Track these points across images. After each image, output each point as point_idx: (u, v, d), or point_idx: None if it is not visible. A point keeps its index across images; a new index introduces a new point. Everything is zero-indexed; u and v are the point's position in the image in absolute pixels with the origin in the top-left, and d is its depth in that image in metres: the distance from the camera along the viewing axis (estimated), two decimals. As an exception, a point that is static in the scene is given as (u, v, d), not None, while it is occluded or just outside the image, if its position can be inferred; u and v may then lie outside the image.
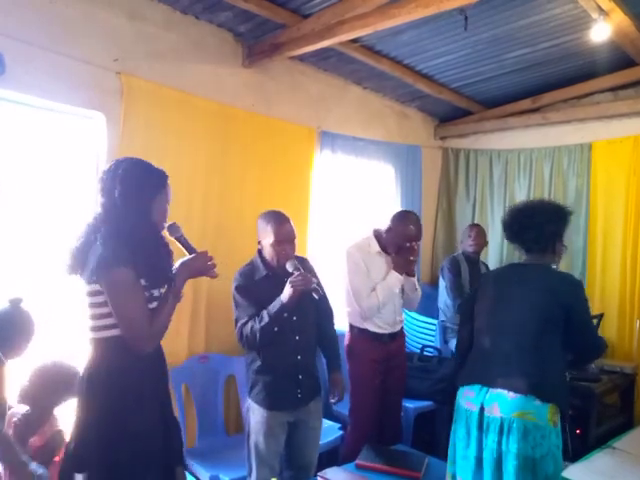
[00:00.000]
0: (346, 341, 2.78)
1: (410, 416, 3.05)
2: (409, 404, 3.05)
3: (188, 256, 1.73)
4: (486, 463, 1.87)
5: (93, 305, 1.59)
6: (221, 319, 2.82)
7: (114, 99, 2.54)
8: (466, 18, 2.83)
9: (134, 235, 1.60)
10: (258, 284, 2.18)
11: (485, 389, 1.91)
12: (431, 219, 4.66)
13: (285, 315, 2.13)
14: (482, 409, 1.90)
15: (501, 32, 3.18)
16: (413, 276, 2.69)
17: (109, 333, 1.59)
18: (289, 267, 2.13)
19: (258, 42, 3.11)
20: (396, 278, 2.60)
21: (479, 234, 3.62)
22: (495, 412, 1.86)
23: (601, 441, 2.91)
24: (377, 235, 2.71)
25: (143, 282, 1.60)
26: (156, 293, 1.66)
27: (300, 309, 2.21)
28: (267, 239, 2.17)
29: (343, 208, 3.77)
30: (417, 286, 2.75)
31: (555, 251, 2.04)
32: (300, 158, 3.41)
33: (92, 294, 1.58)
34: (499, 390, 1.87)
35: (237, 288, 2.19)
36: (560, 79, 3.91)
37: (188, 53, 2.88)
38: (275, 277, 2.18)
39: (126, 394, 1.59)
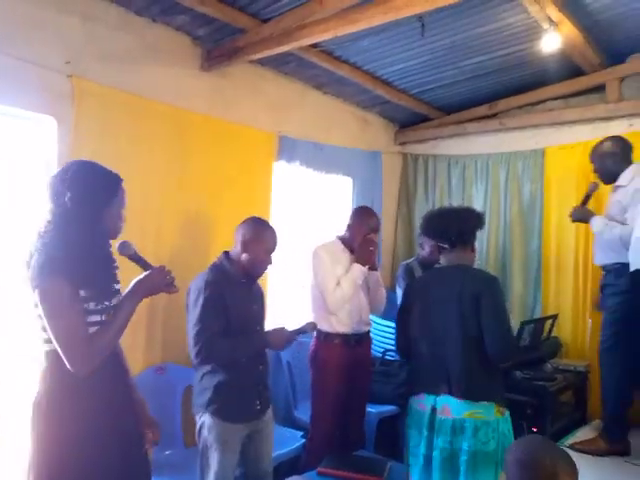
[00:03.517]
0: (311, 347, 2.77)
1: (373, 421, 3.06)
2: (372, 409, 3.06)
3: (144, 273, 1.62)
4: (435, 462, 1.94)
5: (42, 316, 1.47)
6: (179, 328, 2.74)
7: (65, 103, 2.44)
8: (423, 25, 2.88)
9: (79, 243, 1.49)
10: (232, 289, 2.11)
11: (433, 396, 2.00)
12: (391, 224, 4.71)
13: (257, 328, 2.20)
14: (434, 410, 1.98)
15: (458, 40, 3.24)
16: (375, 269, 2.75)
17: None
18: (307, 328, 2.23)
19: (217, 46, 3.07)
20: (359, 270, 2.66)
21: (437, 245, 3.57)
22: (447, 413, 1.95)
23: (556, 438, 2.99)
24: (340, 238, 2.81)
25: (82, 293, 1.49)
26: (97, 306, 1.53)
27: (262, 318, 2.25)
28: (256, 247, 2.15)
29: (303, 214, 3.77)
30: (381, 282, 2.83)
31: (473, 249, 2.18)
32: (260, 163, 3.38)
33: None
34: (446, 393, 1.97)
35: (211, 293, 2.04)
36: (515, 86, 4.02)
37: (144, 56, 2.81)
38: (246, 284, 2.18)
39: (78, 421, 1.47)
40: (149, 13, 2.77)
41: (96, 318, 1.53)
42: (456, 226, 2.10)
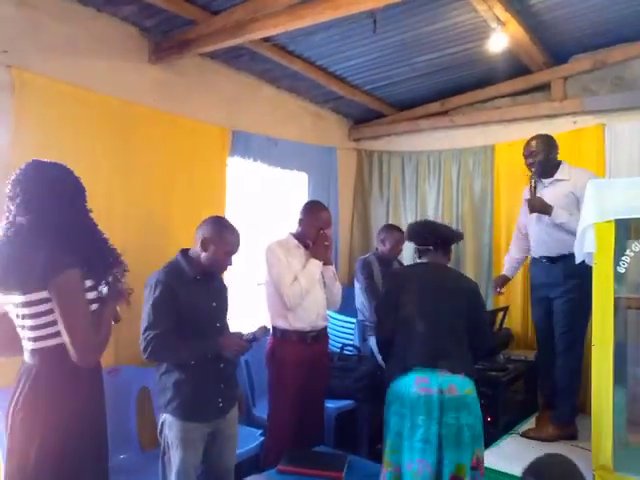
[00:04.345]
0: (268, 345, 2.75)
1: (331, 416, 3.06)
2: (330, 404, 3.06)
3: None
4: (446, 440, 2.05)
5: (34, 315, 1.51)
6: (132, 329, 2.66)
7: (4, 95, 2.31)
8: (375, 21, 2.89)
9: (70, 235, 1.55)
10: (186, 287, 2.07)
11: (437, 373, 2.10)
12: (347, 220, 4.72)
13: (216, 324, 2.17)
14: (441, 391, 2.08)
15: (409, 37, 3.28)
16: (331, 264, 2.78)
17: (55, 341, 1.53)
18: (258, 334, 2.18)
19: (165, 38, 2.98)
20: (315, 265, 2.68)
21: (399, 242, 3.55)
22: (453, 392, 2.09)
23: (509, 427, 3.09)
24: (293, 234, 2.80)
25: (89, 283, 1.59)
26: (95, 295, 1.63)
27: (223, 315, 2.22)
28: (217, 246, 2.12)
29: (259, 210, 3.73)
30: (336, 277, 2.85)
31: (450, 257, 2.49)
32: (213, 159, 3.30)
33: (32, 304, 1.50)
34: (446, 372, 2.10)
35: (162, 292, 2.01)
36: (465, 84, 4.10)
37: (88, 47, 2.70)
38: (203, 282, 2.15)
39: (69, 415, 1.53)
40: (94, 3, 2.66)
41: (95, 307, 1.62)
42: (442, 233, 2.44)
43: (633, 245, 2.29)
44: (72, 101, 2.54)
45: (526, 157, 3.12)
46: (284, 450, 2.47)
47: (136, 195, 2.86)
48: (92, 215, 1.71)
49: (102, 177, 2.67)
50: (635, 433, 2.67)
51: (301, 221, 2.79)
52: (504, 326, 3.66)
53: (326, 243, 2.71)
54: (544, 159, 3.04)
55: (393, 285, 2.41)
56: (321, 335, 2.78)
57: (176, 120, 3.08)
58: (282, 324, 2.67)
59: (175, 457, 2.02)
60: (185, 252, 2.19)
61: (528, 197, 3.03)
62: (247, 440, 2.68)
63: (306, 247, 2.75)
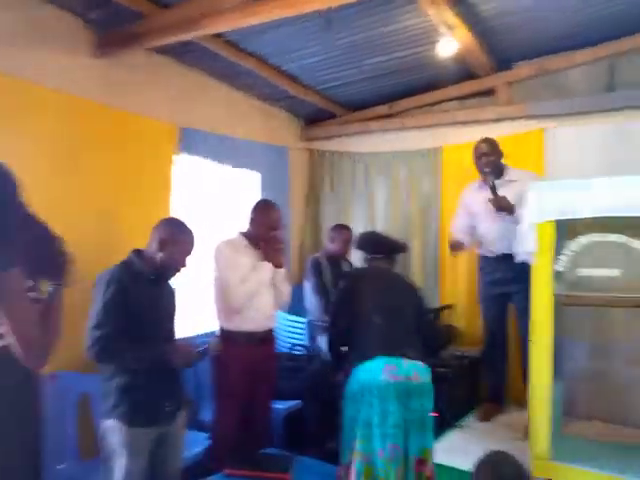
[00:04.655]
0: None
1: (280, 417, 3.06)
2: (279, 405, 3.05)
3: None
4: (412, 425, 2.15)
5: None
6: (71, 332, 2.56)
7: None
8: (326, 22, 2.90)
9: (7, 232, 1.44)
10: (139, 287, 2.05)
11: (401, 360, 2.20)
12: (299, 220, 4.72)
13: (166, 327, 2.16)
14: (408, 378, 2.18)
15: (361, 38, 3.30)
16: (282, 267, 2.75)
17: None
18: (210, 348, 2.20)
19: (112, 31, 2.88)
20: (266, 269, 2.66)
21: (348, 240, 3.58)
22: (418, 379, 2.20)
23: (452, 421, 3.18)
24: (244, 234, 2.77)
25: (29, 283, 1.50)
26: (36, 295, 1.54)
27: (172, 317, 2.22)
28: (174, 246, 2.12)
29: (208, 208, 3.67)
30: (286, 278, 2.84)
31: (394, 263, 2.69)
32: (160, 155, 3.22)
33: None
34: (409, 360, 2.21)
35: (115, 290, 1.97)
36: (415, 87, 4.18)
37: (29, 38, 2.56)
38: (156, 282, 2.14)
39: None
40: (35, -9, 2.55)
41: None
42: (389, 244, 2.66)
43: (571, 244, 2.40)
44: (10, 94, 2.42)
45: (478, 158, 3.21)
46: (230, 453, 2.46)
47: (81, 194, 2.75)
48: (31, 210, 1.63)
49: (43, 175, 2.55)
50: (568, 424, 2.81)
51: (252, 221, 2.76)
52: (449, 323, 3.77)
53: (278, 246, 2.70)
54: (497, 160, 3.15)
55: (348, 283, 2.55)
56: (269, 336, 2.77)
57: (123, 116, 2.99)
58: (229, 325, 2.64)
59: (119, 465, 1.96)
60: (139, 252, 2.16)
61: (491, 197, 3.09)
62: (193, 444, 2.64)
63: (257, 247, 2.72)
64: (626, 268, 2.28)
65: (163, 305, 2.16)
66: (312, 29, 3.10)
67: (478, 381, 3.75)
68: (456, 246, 3.36)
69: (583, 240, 2.36)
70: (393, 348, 2.25)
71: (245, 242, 2.73)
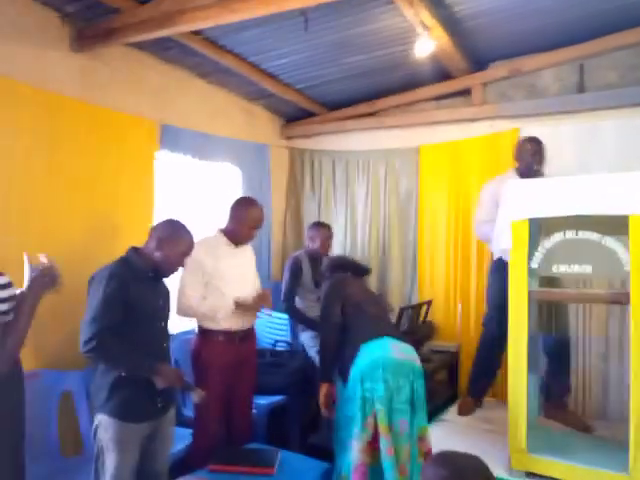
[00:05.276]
0: (193, 345, 2.70)
1: (263, 412, 3.07)
2: (261, 400, 3.06)
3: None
4: (417, 402, 2.26)
5: None
6: (53, 331, 2.54)
7: None
8: (306, 20, 2.92)
9: None
10: (137, 283, 2.06)
11: (402, 342, 2.35)
12: (281, 218, 4.74)
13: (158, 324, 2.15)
14: (412, 359, 2.31)
15: (340, 37, 3.33)
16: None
17: None
18: (191, 391, 2.20)
19: (89, 25, 2.85)
20: (247, 264, 2.72)
21: (324, 234, 3.63)
22: (418, 362, 2.34)
23: (432, 415, 3.24)
24: (223, 231, 2.75)
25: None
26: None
27: (167, 315, 2.21)
28: (172, 248, 2.14)
29: (190, 205, 3.65)
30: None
31: None
32: (140, 152, 3.19)
33: None
34: (406, 343, 2.36)
35: (116, 285, 1.97)
36: (393, 86, 4.23)
37: (3, 32, 2.52)
38: (153, 280, 2.16)
39: None
40: (9, -17, 2.50)
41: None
42: (357, 266, 2.87)
43: (545, 242, 2.47)
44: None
45: (532, 155, 3.17)
46: (213, 449, 2.46)
47: (59, 190, 2.72)
48: None
49: (21, 173, 2.52)
50: (543, 416, 2.90)
51: (232, 218, 2.75)
52: (427, 318, 3.83)
53: (262, 305, 2.73)
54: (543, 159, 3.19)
55: (337, 280, 2.66)
56: (249, 334, 2.76)
57: (102, 112, 2.95)
58: (208, 324, 2.63)
59: (110, 460, 1.95)
60: (136, 250, 2.17)
61: None
62: (177, 440, 2.63)
63: (236, 244, 2.73)
64: (597, 265, 2.36)
65: (159, 303, 2.17)
66: (291, 27, 3.12)
67: (457, 375, 3.83)
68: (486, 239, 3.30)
69: (557, 238, 2.43)
70: (391, 332, 2.41)
71: (224, 240, 2.71)
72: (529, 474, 2.45)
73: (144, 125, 3.22)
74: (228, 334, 2.63)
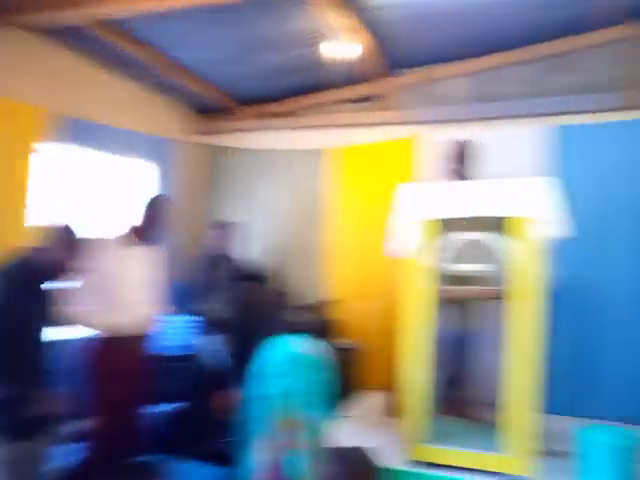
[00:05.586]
0: (85, 352, 2.54)
1: (162, 420, 2.94)
2: (161, 408, 2.94)
3: None
4: (319, 396, 2.23)
5: None
6: None
7: None
8: (221, 15, 2.83)
9: None
10: (24, 286, 1.98)
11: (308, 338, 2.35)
12: (188, 216, 4.54)
13: None
14: (316, 353, 2.32)
15: (256, 34, 3.28)
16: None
17: None
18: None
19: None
20: (144, 266, 2.62)
21: (231, 237, 3.62)
22: (318, 357, 2.31)
23: (333, 410, 3.30)
24: (133, 229, 2.66)
25: None
26: None
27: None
28: (54, 249, 2.08)
29: (87, 201, 3.42)
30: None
31: None
32: (27, 143, 2.93)
33: None
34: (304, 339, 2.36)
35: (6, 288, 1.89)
36: (310, 87, 4.22)
37: None
38: (38, 281, 2.08)
39: None
40: None
41: None
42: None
43: (440, 243, 2.62)
44: None
45: (459, 159, 3.17)
46: (105, 464, 2.35)
47: None
48: None
49: None
50: (437, 408, 3.07)
51: (145, 217, 2.66)
52: (330, 316, 3.90)
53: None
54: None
55: (240, 287, 2.72)
56: (142, 339, 2.66)
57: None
58: (100, 329, 2.49)
59: None
60: (29, 250, 2.08)
61: None
62: (67, 455, 2.45)
63: (147, 243, 2.64)
64: (486, 263, 2.54)
65: (40, 307, 2.06)
66: (206, 20, 3.01)
67: (352, 371, 3.94)
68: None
69: (451, 238, 2.58)
70: (292, 330, 2.42)
71: (134, 240, 2.61)
72: (424, 463, 2.56)
73: (22, 112, 2.91)
74: (120, 340, 2.51)
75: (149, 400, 2.76)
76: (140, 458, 2.50)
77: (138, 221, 2.67)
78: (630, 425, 2.98)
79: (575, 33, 3.54)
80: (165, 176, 4.07)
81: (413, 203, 2.65)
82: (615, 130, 3.41)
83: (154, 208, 2.68)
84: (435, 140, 3.82)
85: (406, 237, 2.63)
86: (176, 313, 3.50)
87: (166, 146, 4.14)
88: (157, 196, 2.88)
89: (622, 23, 3.43)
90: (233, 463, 2.38)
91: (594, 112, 3.49)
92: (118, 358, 2.49)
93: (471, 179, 3.15)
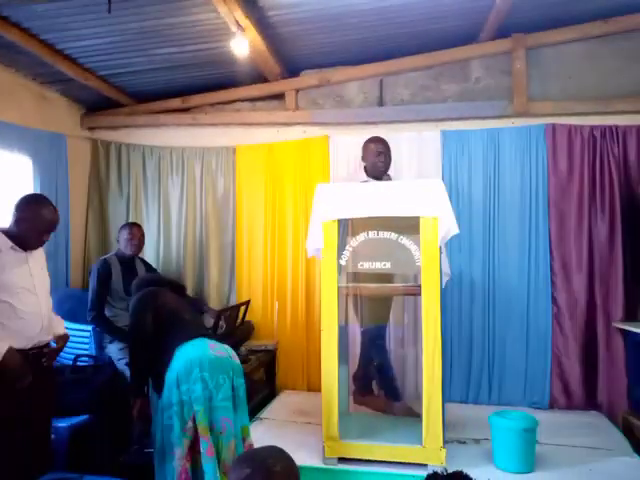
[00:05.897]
0: None
1: (64, 436, 2.72)
2: (62, 423, 2.72)
3: None
4: (238, 400, 2.28)
5: None
6: None
7: None
8: (110, 2, 2.68)
9: None
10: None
11: (219, 342, 2.39)
12: (81, 217, 4.25)
13: None
14: (230, 356, 2.34)
15: (149, 26, 3.15)
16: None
17: None
18: None
19: None
20: (36, 274, 2.39)
21: (136, 235, 3.46)
22: (236, 359, 2.38)
23: (252, 414, 3.26)
24: (6, 232, 2.34)
25: None
26: None
27: None
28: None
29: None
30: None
31: None
32: None
33: None
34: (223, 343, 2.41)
35: None
36: (208, 83, 4.13)
37: None
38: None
39: None
40: None
41: None
42: (170, 282, 2.84)
43: (351, 241, 2.68)
44: None
45: (376, 155, 3.23)
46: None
47: None
48: None
49: None
50: (353, 403, 3.12)
51: (19, 220, 2.34)
52: (246, 319, 3.83)
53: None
54: (389, 160, 3.28)
55: (147, 292, 2.53)
56: (41, 352, 2.42)
57: None
58: None
59: None
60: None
61: None
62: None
63: (24, 249, 2.35)
64: (395, 261, 2.63)
65: None
66: (94, 8, 2.83)
67: (275, 373, 3.92)
68: None
69: (361, 237, 2.66)
70: (207, 334, 2.46)
71: (10, 243, 2.30)
72: (342, 459, 2.60)
73: None
74: (19, 352, 2.26)
75: (53, 414, 2.55)
76: (47, 476, 2.30)
77: (11, 224, 2.37)
78: (536, 410, 3.23)
79: (467, 43, 3.83)
80: (49, 174, 3.75)
81: (326, 203, 2.69)
82: (503, 135, 3.76)
83: (29, 209, 2.37)
84: (340, 141, 3.96)
85: (319, 237, 2.68)
86: (76, 322, 3.28)
87: (52, 142, 3.82)
88: (32, 195, 2.59)
89: (510, 36, 3.75)
90: (150, 474, 2.28)
91: (483, 118, 3.82)
92: (13, 372, 2.26)
93: (383, 179, 3.24)
